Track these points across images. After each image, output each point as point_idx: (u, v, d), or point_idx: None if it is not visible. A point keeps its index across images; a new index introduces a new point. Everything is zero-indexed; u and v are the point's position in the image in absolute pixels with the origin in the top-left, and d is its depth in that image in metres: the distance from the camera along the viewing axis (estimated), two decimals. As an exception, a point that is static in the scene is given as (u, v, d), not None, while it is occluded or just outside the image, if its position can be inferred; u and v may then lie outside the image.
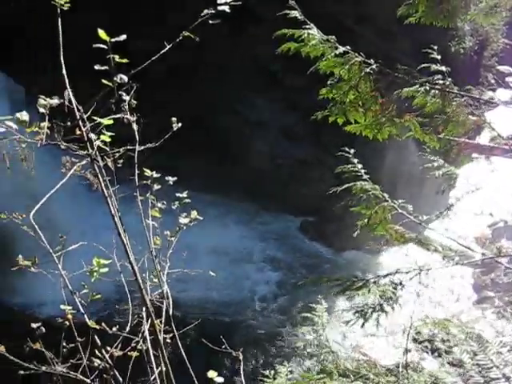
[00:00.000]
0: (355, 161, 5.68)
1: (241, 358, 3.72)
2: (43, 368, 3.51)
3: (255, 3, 20.44)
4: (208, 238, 18.03)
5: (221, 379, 2.92)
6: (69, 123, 3.13)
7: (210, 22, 3.26)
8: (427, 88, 4.97)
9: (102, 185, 2.93)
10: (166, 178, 3.77)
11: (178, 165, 16.82)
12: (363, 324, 4.34)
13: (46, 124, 3.01)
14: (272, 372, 6.92)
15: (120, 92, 3.26)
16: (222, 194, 20.73)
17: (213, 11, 3.29)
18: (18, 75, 19.04)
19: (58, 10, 3.24)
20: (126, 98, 3.29)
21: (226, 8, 3.30)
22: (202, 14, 3.28)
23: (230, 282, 17.26)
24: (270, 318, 16.14)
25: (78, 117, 3.00)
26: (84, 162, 3.21)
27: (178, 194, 3.76)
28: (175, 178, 3.78)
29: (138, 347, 3.10)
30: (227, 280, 17.10)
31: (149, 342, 3.02)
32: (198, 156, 19.96)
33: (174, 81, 19.94)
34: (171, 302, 3.23)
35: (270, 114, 20.68)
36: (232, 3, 3.32)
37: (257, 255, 18.84)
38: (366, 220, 5.33)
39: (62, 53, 3.23)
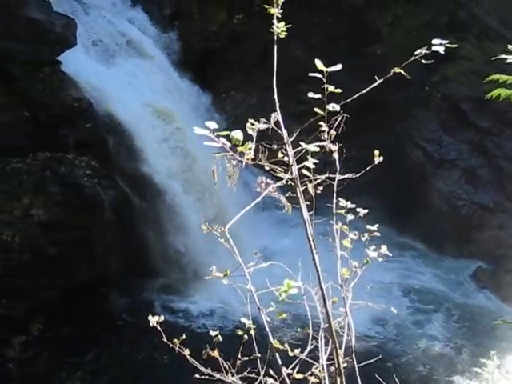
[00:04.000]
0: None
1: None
2: (217, 375, 3.66)
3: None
4: (378, 273, 17.70)
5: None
6: (274, 146, 3.26)
7: (423, 61, 3.22)
8: None
9: (303, 208, 3.01)
10: (357, 210, 3.78)
11: (361, 198, 16.72)
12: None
13: (253, 145, 3.15)
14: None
15: (320, 123, 3.34)
16: (397, 230, 20.25)
17: (427, 51, 3.24)
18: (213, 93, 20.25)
19: (275, 37, 3.40)
20: (325, 128, 3.36)
21: (441, 49, 3.25)
22: (416, 53, 3.26)
23: (393, 318, 16.84)
24: (430, 363, 15.48)
25: (286, 140, 3.11)
26: (279, 184, 3.31)
27: (368, 226, 3.75)
28: (366, 211, 3.77)
29: (317, 373, 3.13)
30: (390, 315, 16.69)
31: (325, 369, 3.05)
32: (379, 188, 19.75)
33: (363, 112, 19.95)
34: (353, 333, 3.23)
35: (456, 154, 20.05)
36: (447, 45, 3.26)
37: (422, 296, 18.23)
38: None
39: (275, 78, 3.37)
